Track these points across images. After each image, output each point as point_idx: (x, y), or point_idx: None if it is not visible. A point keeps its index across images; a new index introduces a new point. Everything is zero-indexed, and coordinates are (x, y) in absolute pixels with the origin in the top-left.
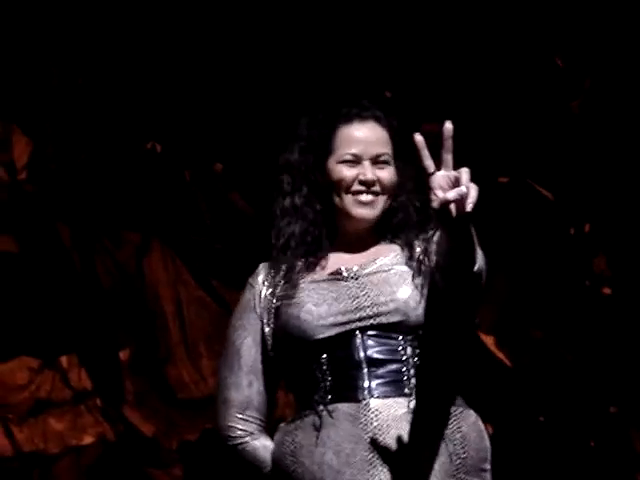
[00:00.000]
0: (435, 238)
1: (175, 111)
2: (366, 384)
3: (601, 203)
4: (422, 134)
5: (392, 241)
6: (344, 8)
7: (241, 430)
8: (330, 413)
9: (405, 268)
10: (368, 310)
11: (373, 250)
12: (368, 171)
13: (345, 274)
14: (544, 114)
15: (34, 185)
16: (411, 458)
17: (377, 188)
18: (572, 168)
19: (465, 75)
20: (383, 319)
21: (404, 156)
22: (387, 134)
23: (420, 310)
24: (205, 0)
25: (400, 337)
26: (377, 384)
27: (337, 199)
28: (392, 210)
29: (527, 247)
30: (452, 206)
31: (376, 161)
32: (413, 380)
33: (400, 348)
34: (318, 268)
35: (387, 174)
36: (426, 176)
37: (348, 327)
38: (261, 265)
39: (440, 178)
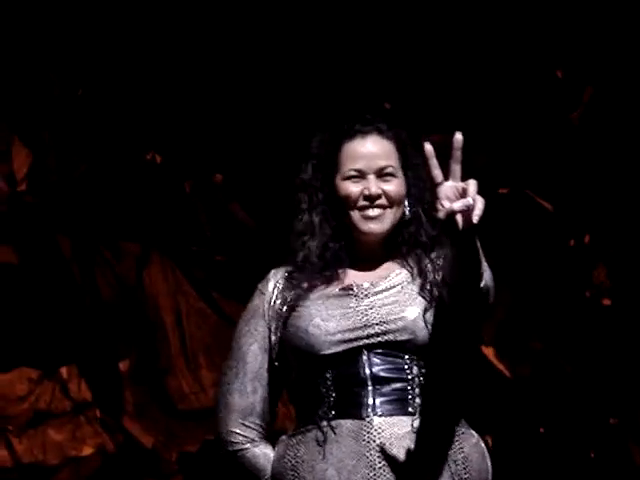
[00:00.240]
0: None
1: (175, 122)
2: (370, 401)
3: (601, 214)
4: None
5: (405, 256)
6: (345, 21)
7: (242, 436)
8: (333, 429)
9: (415, 287)
10: (376, 328)
11: (385, 266)
12: (372, 185)
13: (355, 290)
14: (544, 125)
15: (34, 196)
16: (413, 477)
17: (383, 201)
18: (572, 179)
19: (465, 86)
20: (391, 337)
21: (417, 167)
22: (392, 146)
23: (428, 330)
24: (203, 11)
25: (407, 356)
26: (381, 402)
27: (347, 216)
28: (405, 222)
29: (527, 258)
30: (458, 217)
31: (381, 174)
32: (418, 399)
33: (406, 367)
34: (331, 283)
35: (393, 186)
36: (433, 186)
37: (355, 344)
38: (272, 271)
39: (447, 188)
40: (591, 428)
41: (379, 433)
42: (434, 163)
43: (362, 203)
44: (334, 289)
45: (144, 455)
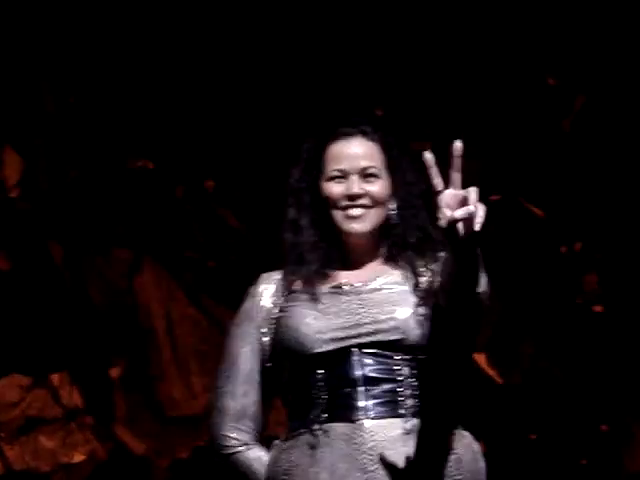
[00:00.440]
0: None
1: (166, 128)
2: (361, 404)
3: (592, 221)
4: (414, 152)
5: (396, 257)
6: (338, 29)
7: (235, 439)
8: (325, 432)
9: (407, 288)
10: (367, 327)
11: (377, 267)
12: (354, 185)
13: (347, 289)
14: (535, 132)
15: (26, 203)
16: (406, 479)
17: (366, 201)
18: (563, 186)
19: (457, 93)
20: (381, 337)
21: (404, 170)
22: (377, 147)
23: (419, 331)
24: (194, 19)
25: (398, 356)
26: (373, 404)
27: (332, 216)
28: (393, 224)
29: (518, 265)
30: (460, 225)
31: (364, 174)
32: (409, 401)
33: (397, 367)
34: (322, 282)
35: (376, 187)
36: (434, 194)
37: (346, 343)
38: (262, 275)
39: (448, 196)
40: (582, 435)
41: (371, 436)
42: (434, 171)
43: (344, 203)
44: (325, 288)
45: (135, 462)
